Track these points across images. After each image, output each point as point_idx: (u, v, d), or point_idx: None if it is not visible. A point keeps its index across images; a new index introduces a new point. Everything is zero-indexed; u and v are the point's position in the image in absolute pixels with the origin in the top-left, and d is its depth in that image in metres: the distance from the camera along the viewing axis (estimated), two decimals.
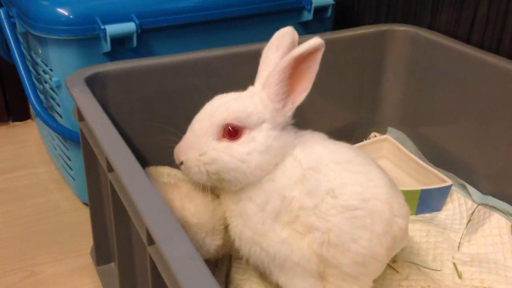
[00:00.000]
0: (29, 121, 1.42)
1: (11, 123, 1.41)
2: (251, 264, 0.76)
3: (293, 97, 0.70)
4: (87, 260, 0.94)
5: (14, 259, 0.95)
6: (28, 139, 1.34)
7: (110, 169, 0.66)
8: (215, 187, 0.76)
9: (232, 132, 0.69)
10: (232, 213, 0.74)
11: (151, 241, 0.53)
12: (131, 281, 0.74)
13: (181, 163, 0.72)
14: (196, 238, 0.76)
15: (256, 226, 0.70)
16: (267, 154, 0.70)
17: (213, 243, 0.78)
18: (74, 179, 1.07)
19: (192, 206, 0.76)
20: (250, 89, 0.75)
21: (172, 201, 0.76)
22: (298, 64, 0.68)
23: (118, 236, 0.71)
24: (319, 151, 0.71)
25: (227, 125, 0.69)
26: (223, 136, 0.70)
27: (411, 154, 1.06)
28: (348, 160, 0.71)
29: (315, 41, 0.67)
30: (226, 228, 0.79)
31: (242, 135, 0.70)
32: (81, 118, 0.77)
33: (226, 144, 0.69)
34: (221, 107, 0.71)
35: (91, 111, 0.72)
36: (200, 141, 0.70)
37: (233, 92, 0.74)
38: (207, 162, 0.70)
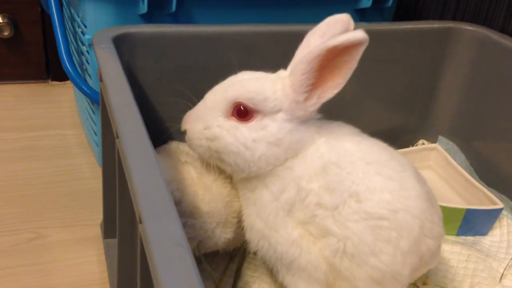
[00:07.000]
0: (67, 82, 1.39)
1: (50, 81, 1.39)
2: (260, 258, 0.71)
3: (321, 92, 0.63)
4: (96, 231, 0.89)
5: (22, 219, 0.91)
6: (63, 99, 1.32)
7: (118, 134, 0.60)
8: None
9: (242, 112, 0.64)
10: (248, 202, 0.69)
11: (141, 219, 0.47)
12: (130, 259, 0.69)
13: (185, 131, 0.69)
14: (205, 228, 0.71)
15: (268, 217, 0.64)
16: (276, 147, 0.64)
17: (223, 235, 0.73)
18: (97, 146, 1.02)
19: (206, 193, 0.72)
20: (279, 72, 0.68)
21: (186, 185, 0.71)
22: (334, 56, 0.61)
23: (120, 210, 0.65)
24: (346, 147, 0.64)
25: (239, 103, 0.65)
26: (232, 114, 0.65)
27: (460, 168, 0.97)
28: (381, 162, 0.63)
29: (357, 34, 0.59)
30: (239, 222, 0.74)
31: (253, 119, 0.64)
32: (101, 78, 0.72)
33: (233, 123, 0.65)
34: (238, 83, 0.66)
35: (110, 71, 0.66)
36: (208, 114, 0.66)
37: (262, 72, 0.69)
38: (210, 137, 0.66)
